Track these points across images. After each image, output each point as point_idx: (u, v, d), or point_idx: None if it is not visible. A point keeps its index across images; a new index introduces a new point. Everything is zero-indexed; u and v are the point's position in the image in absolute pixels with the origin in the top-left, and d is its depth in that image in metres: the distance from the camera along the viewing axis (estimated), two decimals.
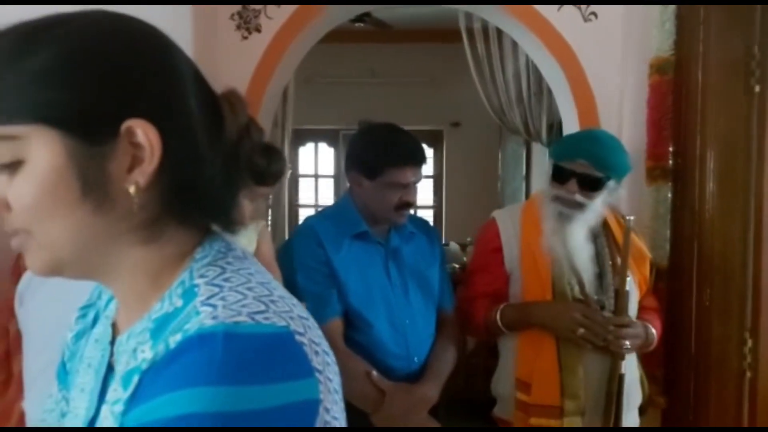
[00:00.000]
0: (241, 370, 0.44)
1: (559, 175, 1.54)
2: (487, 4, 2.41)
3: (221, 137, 0.56)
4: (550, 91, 3.11)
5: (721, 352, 1.64)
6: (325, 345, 0.53)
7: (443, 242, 3.24)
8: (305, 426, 0.47)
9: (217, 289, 0.50)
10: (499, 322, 1.57)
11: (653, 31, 1.90)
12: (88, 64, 0.50)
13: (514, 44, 3.51)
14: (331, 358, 0.53)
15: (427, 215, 5.56)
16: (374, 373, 1.44)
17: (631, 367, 1.56)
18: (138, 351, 0.51)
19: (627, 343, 1.47)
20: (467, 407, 2.51)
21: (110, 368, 0.57)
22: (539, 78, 3.52)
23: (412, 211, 1.66)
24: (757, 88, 1.52)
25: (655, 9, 1.91)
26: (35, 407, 1.13)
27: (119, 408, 0.50)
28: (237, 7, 2.33)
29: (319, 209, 4.09)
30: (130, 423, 0.47)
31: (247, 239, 1.57)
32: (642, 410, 1.66)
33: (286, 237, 4.11)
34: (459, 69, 4.21)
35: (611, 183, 1.52)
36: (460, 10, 3.57)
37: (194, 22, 2.08)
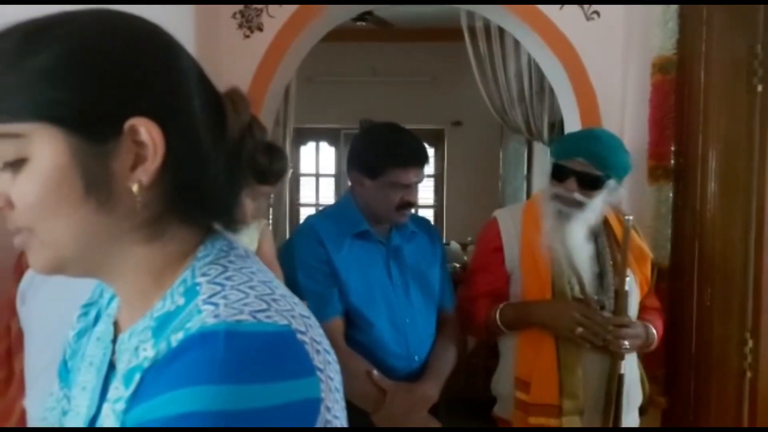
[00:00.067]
0: (242, 369, 0.44)
1: (558, 174, 1.54)
2: (489, 4, 2.41)
3: (224, 136, 0.56)
4: (551, 90, 3.11)
5: (721, 352, 1.64)
6: (326, 344, 0.53)
7: (444, 241, 3.23)
8: (306, 425, 0.47)
9: (218, 288, 0.50)
10: (499, 322, 1.57)
11: (656, 30, 1.90)
12: (91, 63, 0.50)
13: (516, 43, 3.50)
14: (332, 357, 0.53)
15: (428, 214, 5.56)
16: (375, 372, 1.45)
17: (631, 368, 1.56)
18: (140, 349, 0.51)
19: (626, 343, 1.47)
20: (467, 407, 2.51)
21: (112, 366, 0.57)
22: (541, 77, 3.52)
23: (413, 211, 1.65)
24: (759, 88, 1.52)
25: (657, 8, 1.90)
26: (36, 406, 1.13)
27: (121, 406, 0.50)
28: (239, 6, 2.33)
29: (320, 208, 4.09)
30: (131, 421, 0.47)
31: (248, 238, 1.58)
32: (643, 410, 1.66)
33: (287, 236, 4.12)
34: (460, 68, 4.21)
35: (611, 182, 1.52)
36: (462, 9, 3.57)
37: (196, 20, 2.08)
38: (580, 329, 1.46)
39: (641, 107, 1.99)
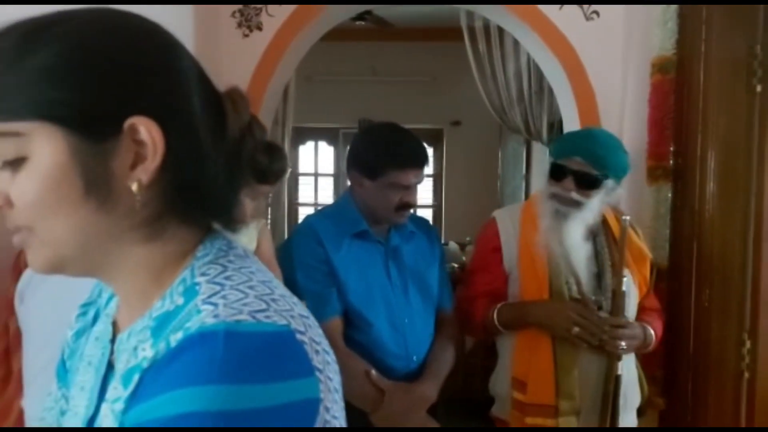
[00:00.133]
0: (242, 369, 0.44)
1: (556, 173, 1.54)
2: (489, 3, 2.41)
3: (224, 135, 0.55)
4: (551, 90, 3.11)
5: (719, 352, 1.64)
6: (325, 344, 0.53)
7: (442, 241, 3.23)
8: (305, 425, 0.46)
9: (218, 288, 0.50)
10: (496, 322, 1.57)
11: (655, 30, 1.90)
12: (91, 62, 0.50)
13: (516, 43, 3.50)
14: (331, 357, 0.53)
15: (427, 214, 5.56)
16: (373, 372, 1.44)
17: (628, 368, 1.56)
18: (138, 349, 0.51)
19: (623, 343, 1.47)
20: (466, 407, 2.51)
21: (110, 366, 0.57)
22: (540, 77, 3.52)
23: (411, 211, 1.65)
24: (758, 88, 1.52)
25: (657, 8, 1.90)
26: (34, 405, 1.13)
27: (119, 406, 0.50)
28: (238, 5, 2.33)
29: (319, 208, 4.09)
30: (130, 421, 0.47)
31: (247, 238, 1.57)
32: (641, 411, 1.66)
33: (286, 236, 4.11)
34: (460, 68, 4.21)
35: (609, 182, 1.52)
36: (462, 9, 3.57)
37: (195, 19, 2.08)
38: (576, 329, 1.46)
39: (640, 107, 1.99)
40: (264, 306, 0.48)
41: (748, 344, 1.54)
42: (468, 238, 4.60)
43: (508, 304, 1.59)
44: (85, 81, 0.49)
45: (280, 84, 2.63)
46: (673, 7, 1.87)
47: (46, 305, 1.12)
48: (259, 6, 2.32)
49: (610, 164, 1.51)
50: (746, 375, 1.55)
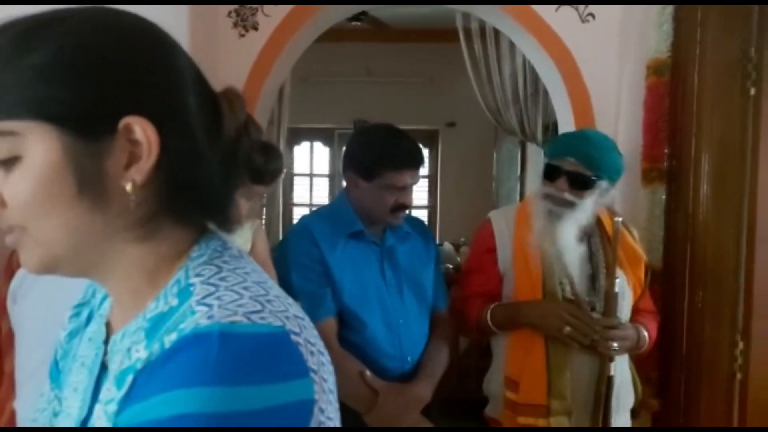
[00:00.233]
0: (236, 371, 0.44)
1: (550, 173, 1.54)
2: (485, 4, 2.41)
3: (220, 135, 0.55)
4: (546, 92, 3.12)
5: (712, 354, 1.65)
6: (320, 345, 0.53)
7: (437, 242, 3.24)
8: (300, 426, 0.46)
9: (212, 289, 0.50)
10: (490, 322, 1.57)
11: (651, 33, 1.91)
12: (86, 61, 0.49)
13: (511, 44, 3.51)
14: (326, 358, 0.53)
15: (422, 215, 5.56)
16: (367, 372, 1.44)
17: (622, 370, 1.57)
18: (132, 350, 0.51)
19: (615, 344, 1.47)
20: (460, 407, 2.51)
21: (104, 367, 0.57)
22: (536, 79, 3.53)
23: (407, 212, 1.65)
24: (752, 91, 1.53)
25: (652, 11, 1.91)
26: (27, 407, 1.12)
27: (113, 408, 0.49)
28: (234, 5, 2.32)
29: (314, 208, 4.08)
30: (123, 423, 0.46)
31: (242, 238, 1.57)
32: (635, 413, 1.67)
33: (280, 236, 4.11)
34: (455, 69, 4.21)
35: (603, 183, 1.52)
36: (458, 10, 3.57)
37: (191, 19, 2.07)
38: (567, 328, 1.47)
39: (635, 109, 2.00)
40: (259, 307, 0.48)
41: (740, 346, 1.55)
42: (463, 239, 4.60)
43: (501, 305, 1.59)
44: (80, 80, 0.49)
45: (276, 84, 2.63)
46: (669, 10, 1.87)
47: (39, 306, 1.11)
48: (255, 6, 2.31)
49: (604, 165, 1.51)
50: (739, 376, 1.56)
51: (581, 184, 1.50)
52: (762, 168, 1.51)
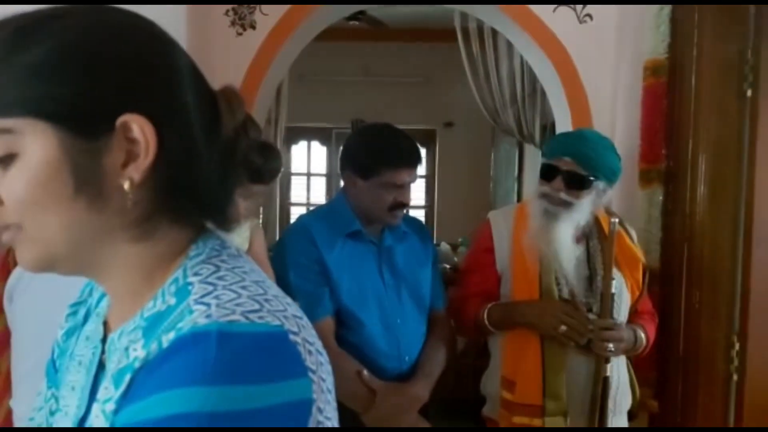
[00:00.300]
0: (234, 370, 0.44)
1: (546, 173, 1.54)
2: (483, 4, 2.41)
3: (218, 134, 0.55)
4: (543, 93, 3.12)
5: (709, 355, 1.65)
6: (318, 344, 0.53)
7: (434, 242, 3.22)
8: (298, 426, 0.46)
9: (210, 288, 0.50)
10: (486, 322, 1.58)
11: (648, 34, 1.91)
12: (83, 58, 0.49)
13: (509, 45, 3.51)
14: (324, 358, 0.53)
15: (419, 215, 5.56)
16: (365, 372, 1.44)
17: (619, 371, 1.57)
18: (130, 349, 0.51)
19: (610, 345, 1.47)
20: (457, 407, 2.51)
21: (101, 366, 0.56)
22: (533, 79, 3.53)
23: (405, 211, 1.65)
24: (749, 93, 1.54)
25: (649, 12, 1.91)
26: (24, 406, 1.12)
27: (110, 407, 0.49)
28: (231, 4, 2.32)
29: (311, 208, 4.08)
30: (121, 422, 0.46)
31: (240, 238, 1.57)
32: (633, 415, 1.67)
33: (277, 235, 4.10)
34: (453, 69, 4.21)
35: (600, 184, 1.52)
36: (456, 10, 3.57)
37: (189, 17, 2.07)
38: (563, 328, 1.47)
39: (632, 110, 2.00)
40: (257, 306, 0.48)
41: (737, 346, 1.56)
42: (460, 239, 4.60)
43: (498, 304, 1.59)
44: (78, 78, 0.49)
45: (274, 83, 2.62)
46: (666, 11, 1.88)
47: (36, 304, 1.11)
48: (252, 5, 2.31)
49: (600, 165, 1.51)
50: (735, 377, 1.56)
51: (578, 184, 1.50)
52: (759, 169, 1.51)
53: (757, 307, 1.53)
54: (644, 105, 1.93)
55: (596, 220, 1.61)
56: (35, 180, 0.49)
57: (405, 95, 5.18)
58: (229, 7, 2.31)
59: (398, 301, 1.58)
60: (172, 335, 0.46)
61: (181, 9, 2.03)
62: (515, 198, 4.90)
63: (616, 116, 2.24)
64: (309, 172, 5.75)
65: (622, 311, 1.57)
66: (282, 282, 1.44)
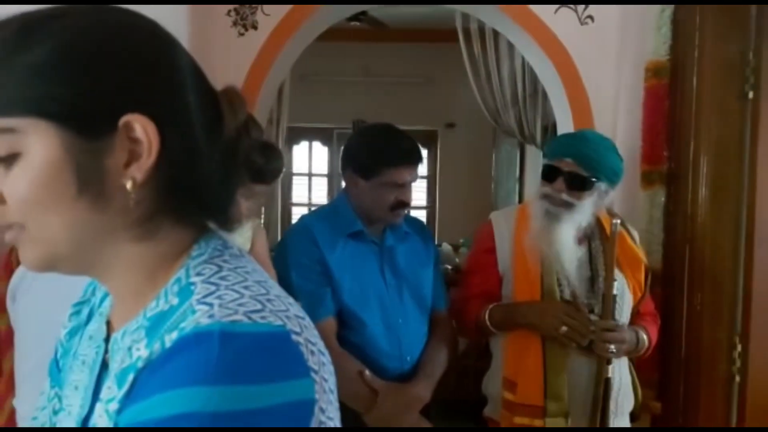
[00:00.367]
0: (237, 370, 0.44)
1: (548, 174, 1.54)
2: (484, 5, 2.42)
3: (220, 134, 0.55)
4: (545, 94, 3.12)
5: (711, 356, 1.65)
6: (321, 344, 0.53)
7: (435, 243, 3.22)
8: (301, 426, 0.46)
9: (213, 288, 0.50)
10: (488, 322, 1.58)
11: (649, 35, 1.91)
12: (86, 58, 0.49)
13: (511, 46, 3.51)
14: (326, 358, 0.53)
15: (420, 216, 5.56)
16: (367, 372, 1.44)
17: (621, 373, 1.56)
18: (133, 349, 0.51)
19: (612, 346, 1.47)
20: (459, 407, 2.51)
21: (104, 366, 0.57)
22: (534, 80, 3.53)
23: (406, 211, 1.66)
24: (750, 95, 1.54)
25: (651, 13, 1.92)
26: (27, 405, 1.12)
27: (114, 406, 0.49)
28: (233, 4, 2.32)
29: (313, 208, 4.09)
30: (124, 422, 0.46)
31: (242, 238, 1.57)
32: (635, 416, 1.66)
33: (279, 235, 4.11)
34: (454, 69, 4.21)
35: (602, 185, 1.52)
36: (457, 11, 3.57)
37: (191, 18, 2.07)
38: (564, 328, 1.47)
39: (634, 112, 2.00)
40: (259, 306, 0.48)
41: (739, 347, 1.56)
42: (461, 240, 4.60)
43: (499, 305, 1.59)
44: (80, 77, 0.49)
45: (275, 83, 2.63)
46: (668, 13, 1.88)
47: (39, 304, 1.11)
48: (254, 5, 2.31)
49: (602, 166, 1.51)
50: (737, 378, 1.56)
51: (579, 185, 1.50)
52: (760, 170, 1.52)
53: (759, 308, 1.53)
54: (646, 106, 1.93)
55: (598, 222, 1.61)
56: (38, 180, 0.49)
57: (406, 96, 5.17)
58: (231, 7, 2.32)
59: (400, 301, 1.58)
60: (174, 335, 0.46)
61: (182, 9, 2.04)
62: (516, 199, 4.90)
63: (618, 117, 2.24)
64: (310, 173, 5.75)
65: (624, 312, 1.57)
66: (284, 282, 1.44)
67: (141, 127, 0.50)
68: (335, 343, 1.46)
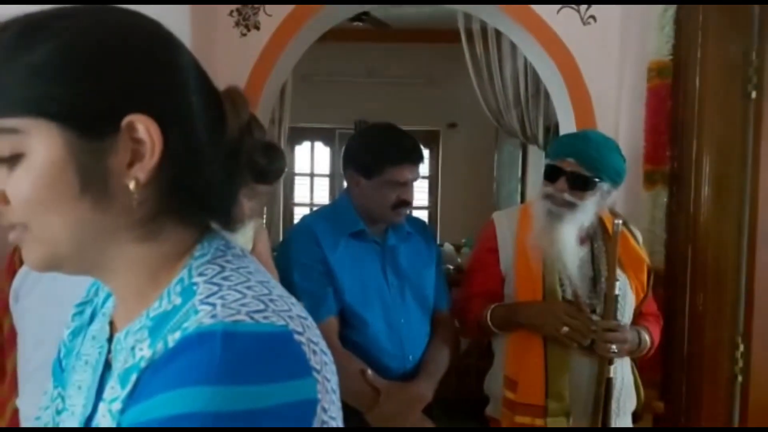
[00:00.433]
0: (239, 370, 0.44)
1: (550, 174, 1.54)
2: (487, 5, 2.42)
3: (223, 134, 0.55)
4: (547, 94, 3.12)
5: (713, 356, 1.65)
6: (323, 344, 0.53)
7: (437, 243, 3.23)
8: (303, 426, 0.46)
9: (216, 288, 0.50)
10: (489, 322, 1.58)
11: (652, 35, 1.91)
12: (88, 59, 0.49)
13: (513, 46, 3.51)
14: (328, 358, 0.53)
15: (422, 216, 5.56)
16: (369, 371, 1.45)
17: (623, 373, 1.56)
18: (136, 349, 0.51)
19: (613, 347, 1.47)
20: (461, 407, 2.51)
21: (107, 366, 0.57)
22: (537, 80, 3.53)
23: (408, 211, 1.66)
24: (753, 94, 1.54)
25: (653, 13, 1.91)
26: (30, 405, 1.12)
27: (117, 406, 0.49)
28: (235, 5, 2.32)
29: (315, 208, 4.09)
30: (127, 422, 0.47)
31: (245, 238, 1.57)
32: (637, 416, 1.66)
33: (281, 236, 4.11)
34: (457, 70, 4.21)
35: (604, 185, 1.52)
36: (459, 11, 3.57)
37: (193, 18, 2.07)
38: (565, 329, 1.46)
39: (636, 112, 2.00)
40: (262, 306, 0.48)
41: (741, 348, 1.56)
42: (463, 240, 4.60)
43: (501, 305, 1.59)
44: (83, 78, 0.49)
45: (277, 84, 2.63)
46: (670, 12, 1.87)
47: (42, 304, 1.11)
48: (256, 5, 2.32)
49: (604, 166, 1.51)
50: (740, 378, 1.56)
51: (581, 185, 1.50)
52: (763, 171, 1.51)
53: (762, 308, 1.53)
54: (648, 106, 1.93)
55: (600, 222, 1.61)
56: (41, 180, 0.49)
57: (408, 96, 5.17)
58: (234, 7, 2.32)
59: (402, 301, 1.58)
60: (177, 335, 0.46)
61: (185, 9, 2.04)
62: (519, 199, 4.90)
63: (620, 117, 2.24)
64: (312, 173, 5.76)
65: (626, 313, 1.56)
66: (286, 282, 1.44)
67: (144, 128, 0.50)
68: (337, 343, 1.46)
